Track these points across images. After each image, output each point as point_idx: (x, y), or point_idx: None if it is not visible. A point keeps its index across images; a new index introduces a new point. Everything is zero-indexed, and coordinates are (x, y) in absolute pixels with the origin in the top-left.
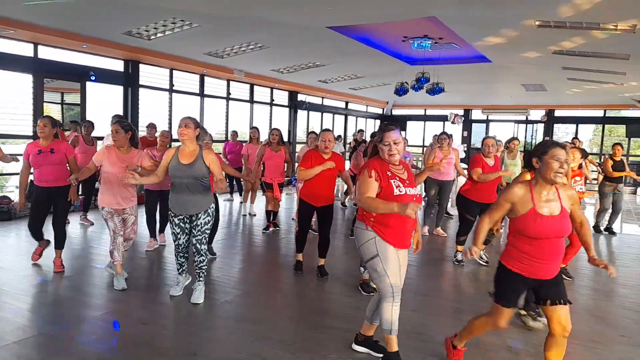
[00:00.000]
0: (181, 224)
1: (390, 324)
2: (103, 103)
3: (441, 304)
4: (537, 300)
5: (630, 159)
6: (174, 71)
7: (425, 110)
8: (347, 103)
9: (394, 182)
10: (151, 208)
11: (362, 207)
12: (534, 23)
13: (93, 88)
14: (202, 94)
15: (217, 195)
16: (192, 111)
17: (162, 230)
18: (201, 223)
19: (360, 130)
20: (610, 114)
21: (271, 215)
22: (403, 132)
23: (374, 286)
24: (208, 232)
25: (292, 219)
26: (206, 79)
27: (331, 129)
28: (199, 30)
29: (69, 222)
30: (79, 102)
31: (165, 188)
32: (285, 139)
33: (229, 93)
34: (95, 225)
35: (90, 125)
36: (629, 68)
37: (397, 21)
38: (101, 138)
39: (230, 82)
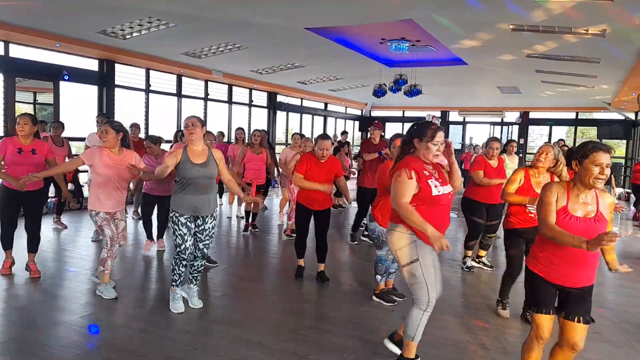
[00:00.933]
0: (188, 223)
1: (415, 330)
2: (77, 103)
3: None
4: (557, 308)
5: None
6: (150, 71)
7: (403, 112)
8: (326, 104)
9: (432, 182)
10: (148, 212)
11: (397, 211)
12: (508, 27)
13: (67, 88)
14: (179, 95)
15: None
16: (169, 112)
17: (160, 236)
18: (209, 227)
19: (345, 132)
20: (583, 116)
21: (250, 216)
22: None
23: (395, 297)
24: (214, 236)
25: (285, 219)
26: (184, 79)
27: (308, 131)
28: (175, 30)
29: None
30: (52, 102)
31: (166, 194)
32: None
33: (207, 94)
34: (69, 229)
35: (60, 126)
36: (599, 71)
37: (375, 23)
38: (79, 139)
39: (209, 82)
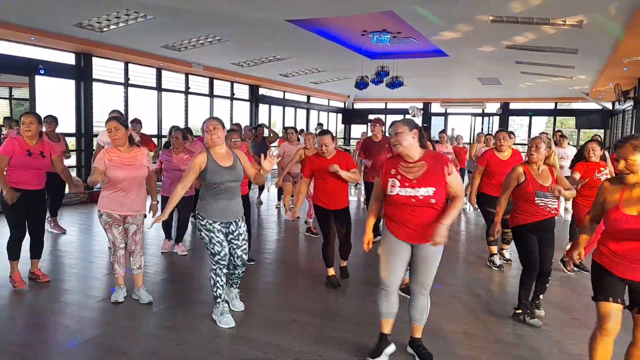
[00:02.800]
0: (223, 229)
1: (378, 307)
2: (54, 98)
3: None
4: (630, 304)
5: None
6: (129, 64)
7: (386, 103)
8: (308, 97)
9: (392, 180)
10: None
11: None
12: (488, 18)
13: (43, 82)
14: (159, 88)
15: None
16: (149, 105)
17: (179, 239)
18: (243, 231)
19: (320, 124)
20: (562, 106)
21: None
22: (364, 126)
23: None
24: (248, 240)
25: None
26: (163, 72)
27: (291, 124)
28: (154, 23)
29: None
30: (28, 97)
31: (187, 194)
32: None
33: (187, 87)
34: (69, 231)
35: (53, 121)
36: (577, 62)
37: (356, 15)
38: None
39: (189, 75)
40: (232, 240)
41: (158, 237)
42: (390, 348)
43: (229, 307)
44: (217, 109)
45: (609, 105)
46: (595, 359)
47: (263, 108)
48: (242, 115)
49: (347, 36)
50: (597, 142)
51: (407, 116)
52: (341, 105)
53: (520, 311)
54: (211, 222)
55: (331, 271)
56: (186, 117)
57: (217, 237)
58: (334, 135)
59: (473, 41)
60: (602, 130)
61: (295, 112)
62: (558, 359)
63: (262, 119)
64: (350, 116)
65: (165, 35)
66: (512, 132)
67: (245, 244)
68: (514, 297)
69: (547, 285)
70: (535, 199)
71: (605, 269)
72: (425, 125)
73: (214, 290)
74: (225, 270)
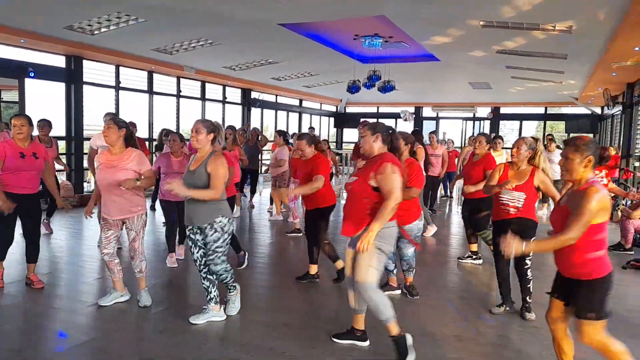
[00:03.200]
0: (191, 235)
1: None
2: (44, 101)
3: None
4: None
5: None
6: (120, 67)
7: (378, 107)
8: (301, 101)
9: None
10: (168, 220)
11: None
12: (479, 23)
13: (32, 85)
14: (150, 91)
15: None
16: (140, 109)
17: (181, 241)
18: (210, 240)
19: (311, 128)
20: (551, 111)
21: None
22: (356, 130)
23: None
24: (220, 250)
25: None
26: (155, 75)
27: (284, 127)
28: (145, 25)
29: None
30: (17, 100)
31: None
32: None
33: (179, 90)
34: (59, 235)
35: (47, 125)
36: (567, 67)
37: (349, 19)
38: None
39: (181, 79)
40: (202, 248)
41: (154, 241)
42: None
43: (225, 311)
44: (208, 112)
45: (598, 110)
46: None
47: (255, 112)
48: (234, 118)
49: (340, 40)
50: (484, 136)
51: (399, 120)
52: (333, 109)
53: (501, 303)
54: (186, 225)
55: (313, 268)
56: (177, 121)
57: (189, 241)
58: (324, 139)
59: (464, 46)
60: (592, 135)
61: (288, 115)
62: None
63: (255, 122)
64: (343, 120)
65: (157, 38)
66: (500, 137)
67: (212, 255)
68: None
69: (528, 286)
70: (500, 197)
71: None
72: (417, 129)
73: (232, 284)
74: (203, 275)
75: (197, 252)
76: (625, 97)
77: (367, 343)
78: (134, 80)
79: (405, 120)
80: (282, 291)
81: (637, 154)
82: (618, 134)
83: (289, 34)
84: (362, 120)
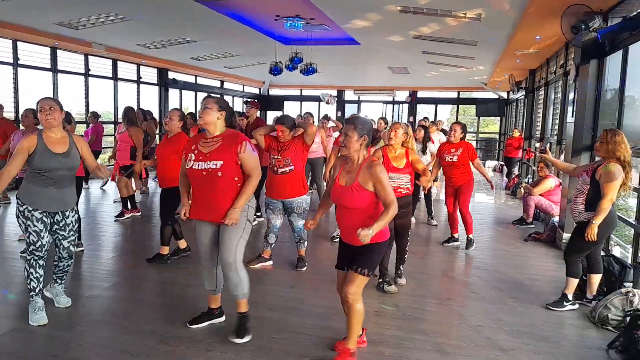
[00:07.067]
0: (46, 218)
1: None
2: None
3: (317, 277)
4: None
5: (480, 135)
6: (18, 42)
7: (301, 90)
8: (222, 82)
9: (190, 155)
10: None
11: None
12: (396, 8)
13: None
14: (54, 69)
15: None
16: (43, 89)
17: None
18: (72, 222)
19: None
20: (464, 95)
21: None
22: (279, 113)
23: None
24: (77, 231)
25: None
26: (59, 52)
27: None
28: None
29: None
30: None
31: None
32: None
33: (87, 69)
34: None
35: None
36: (477, 53)
37: None
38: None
39: (89, 56)
40: (58, 231)
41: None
42: (217, 320)
43: (55, 303)
44: (122, 93)
45: (505, 95)
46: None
47: (173, 93)
48: (150, 100)
49: (261, 21)
50: (458, 124)
51: (322, 103)
52: (256, 91)
53: (381, 280)
54: (31, 209)
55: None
56: (87, 101)
57: (36, 226)
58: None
59: (383, 30)
60: (499, 118)
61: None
62: (460, 329)
63: (173, 104)
64: (266, 102)
65: (60, 11)
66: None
67: (73, 236)
68: (419, 276)
69: (405, 256)
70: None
71: (341, 239)
72: (340, 112)
73: (28, 283)
74: (41, 262)
75: (46, 237)
76: (527, 82)
77: (223, 317)
78: (35, 57)
79: (327, 103)
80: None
81: (537, 136)
82: (522, 116)
83: (207, 12)
84: (251, 100)
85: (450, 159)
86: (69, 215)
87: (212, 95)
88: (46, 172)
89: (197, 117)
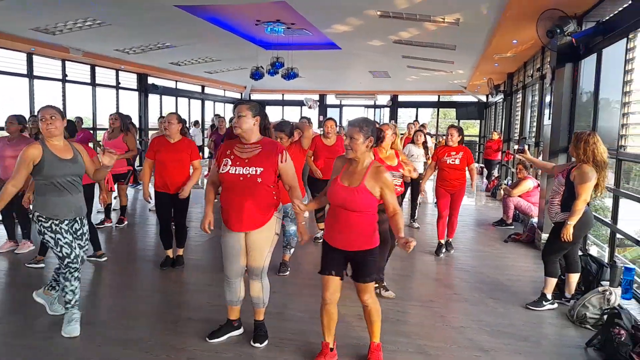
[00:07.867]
0: (69, 228)
1: (225, 296)
2: None
3: (300, 283)
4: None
5: None
6: None
7: (283, 95)
8: (203, 87)
9: (225, 160)
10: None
11: None
12: (376, 13)
13: None
14: (30, 75)
15: None
16: (19, 95)
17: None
18: (87, 230)
19: (217, 115)
20: (444, 99)
21: (110, 211)
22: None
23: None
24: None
25: (149, 210)
26: (35, 58)
27: (185, 115)
28: (22, 2)
29: None
30: None
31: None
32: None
33: (65, 75)
34: None
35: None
36: (456, 57)
37: (250, 4)
38: None
39: (66, 62)
40: (76, 240)
41: None
42: (236, 332)
43: (47, 310)
44: (100, 99)
45: (484, 98)
46: (323, 324)
47: (153, 98)
48: (130, 106)
49: (241, 25)
50: (455, 128)
51: (304, 108)
52: (238, 96)
53: (377, 285)
54: (57, 222)
55: (169, 253)
56: (64, 107)
57: (66, 238)
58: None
59: (363, 35)
60: (478, 121)
61: (189, 102)
62: (442, 331)
63: (153, 110)
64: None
65: (36, 16)
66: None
67: (87, 244)
68: (401, 279)
69: (388, 258)
70: None
71: (328, 244)
72: (322, 116)
73: (63, 295)
74: (77, 274)
75: (77, 247)
76: (505, 86)
77: (242, 330)
78: (10, 62)
79: (310, 107)
80: (168, 285)
81: (516, 138)
82: (500, 119)
83: (187, 17)
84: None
85: (452, 161)
86: (85, 223)
87: (243, 100)
88: (59, 180)
89: (232, 127)
